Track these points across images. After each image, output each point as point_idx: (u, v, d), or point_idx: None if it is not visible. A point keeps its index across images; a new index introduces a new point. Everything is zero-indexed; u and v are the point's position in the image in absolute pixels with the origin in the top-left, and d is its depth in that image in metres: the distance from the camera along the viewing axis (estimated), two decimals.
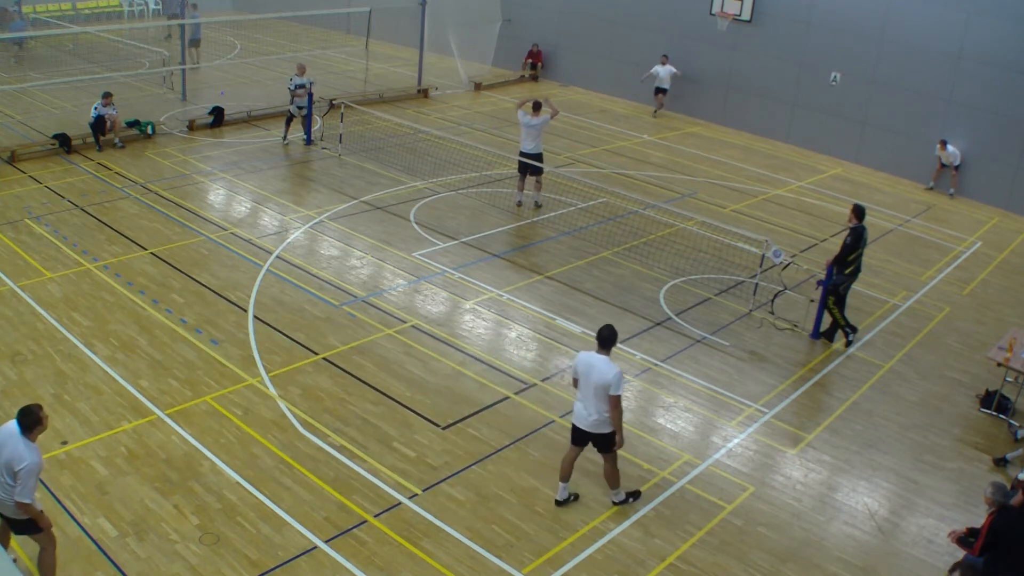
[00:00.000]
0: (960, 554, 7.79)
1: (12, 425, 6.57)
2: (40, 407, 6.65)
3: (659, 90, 24.43)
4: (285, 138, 19.07)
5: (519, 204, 16.38)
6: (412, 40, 25.70)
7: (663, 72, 24.19)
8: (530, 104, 15.83)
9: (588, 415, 8.15)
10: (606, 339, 8.13)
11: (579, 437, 8.38)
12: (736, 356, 11.75)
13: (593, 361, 8.07)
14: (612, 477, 8.54)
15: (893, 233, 17.26)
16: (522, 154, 15.81)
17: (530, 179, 16.07)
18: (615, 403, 7.99)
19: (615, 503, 8.65)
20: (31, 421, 6.54)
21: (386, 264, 13.52)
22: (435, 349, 11.20)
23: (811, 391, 11.19)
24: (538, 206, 16.32)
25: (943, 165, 19.93)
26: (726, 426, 10.19)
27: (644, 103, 25.20)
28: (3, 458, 6.46)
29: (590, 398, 8.09)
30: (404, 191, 16.68)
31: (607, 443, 8.30)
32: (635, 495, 8.75)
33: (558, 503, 8.57)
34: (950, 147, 19.54)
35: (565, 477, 8.54)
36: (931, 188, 20.28)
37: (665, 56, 24.14)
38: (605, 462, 8.47)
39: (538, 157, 15.75)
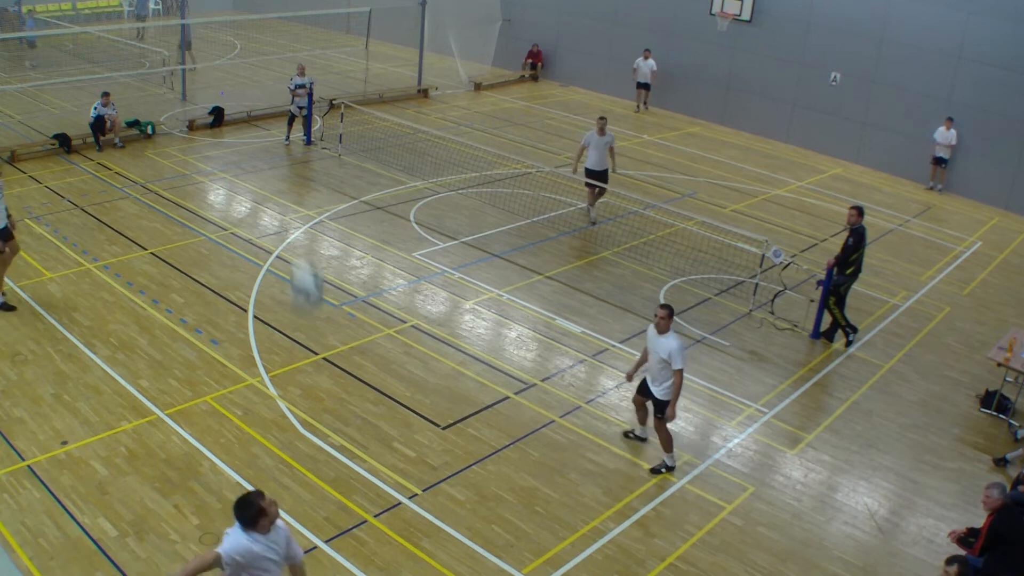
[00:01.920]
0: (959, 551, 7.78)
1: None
2: (259, 494, 5.62)
3: (640, 85, 24.38)
4: (288, 138, 19.08)
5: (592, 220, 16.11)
6: (412, 40, 25.69)
7: (644, 67, 24.12)
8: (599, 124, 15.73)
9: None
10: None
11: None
12: (736, 356, 11.75)
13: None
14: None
15: (893, 233, 17.26)
16: (588, 171, 15.64)
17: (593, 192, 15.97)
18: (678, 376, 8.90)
19: (663, 470, 9.31)
20: (251, 514, 5.55)
21: (386, 264, 13.52)
22: (435, 349, 11.20)
23: (811, 391, 11.19)
24: (593, 223, 15.91)
25: (936, 160, 19.86)
26: (726, 426, 10.19)
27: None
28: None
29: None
30: (404, 191, 16.69)
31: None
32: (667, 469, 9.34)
33: (640, 439, 9.63)
34: (953, 130, 19.50)
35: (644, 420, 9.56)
36: (932, 188, 20.27)
37: (648, 50, 24.08)
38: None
39: (602, 174, 15.60)
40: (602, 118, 15.87)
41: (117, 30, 27.88)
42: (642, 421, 9.57)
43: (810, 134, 22.61)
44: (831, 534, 8.58)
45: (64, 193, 15.18)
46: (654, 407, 9.08)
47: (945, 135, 19.59)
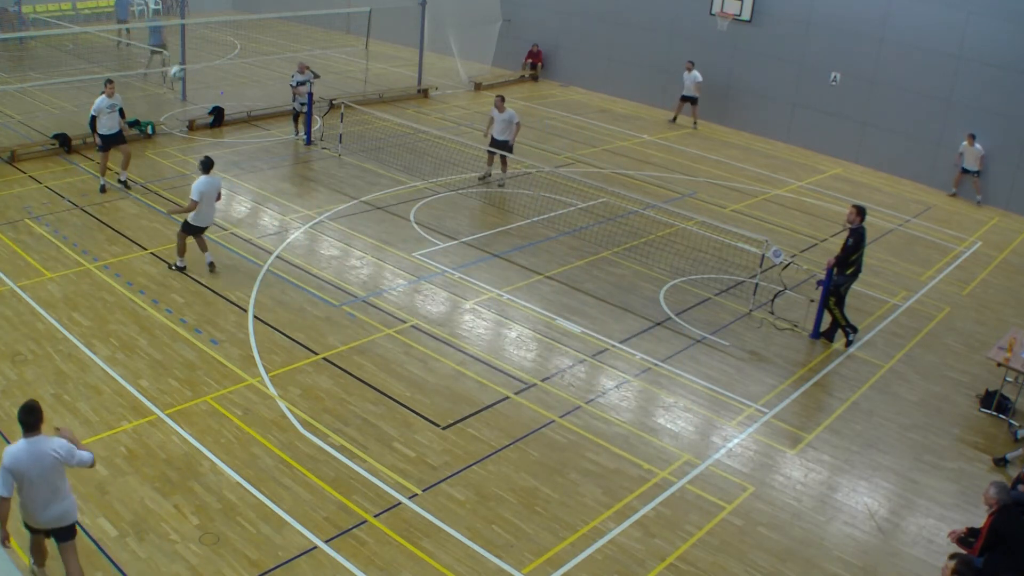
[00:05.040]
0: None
1: (27, 442, 6.40)
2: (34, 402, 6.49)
3: (685, 98, 23.57)
4: (296, 132, 19.26)
5: (487, 177, 17.72)
6: (412, 40, 25.69)
7: (687, 79, 23.31)
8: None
9: None
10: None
11: None
12: (736, 356, 11.75)
13: None
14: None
15: (893, 233, 17.27)
16: (493, 140, 17.49)
17: (498, 161, 17.58)
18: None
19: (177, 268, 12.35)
20: (35, 419, 6.42)
21: (386, 264, 13.52)
22: (435, 349, 11.20)
23: (811, 391, 11.20)
24: (500, 185, 17.61)
25: (964, 171, 19.63)
26: (726, 426, 10.19)
27: (645, 103, 25.20)
28: (47, 466, 6.42)
29: None
30: (404, 191, 16.69)
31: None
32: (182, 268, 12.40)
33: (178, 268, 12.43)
34: (978, 144, 19.24)
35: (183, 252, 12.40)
36: (954, 194, 20.04)
37: (691, 62, 23.23)
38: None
39: (504, 144, 17.37)
40: (498, 95, 17.66)
41: (118, 30, 27.88)
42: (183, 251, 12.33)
43: (810, 134, 22.60)
44: (831, 534, 8.58)
45: (64, 193, 15.18)
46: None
47: (971, 151, 19.31)
